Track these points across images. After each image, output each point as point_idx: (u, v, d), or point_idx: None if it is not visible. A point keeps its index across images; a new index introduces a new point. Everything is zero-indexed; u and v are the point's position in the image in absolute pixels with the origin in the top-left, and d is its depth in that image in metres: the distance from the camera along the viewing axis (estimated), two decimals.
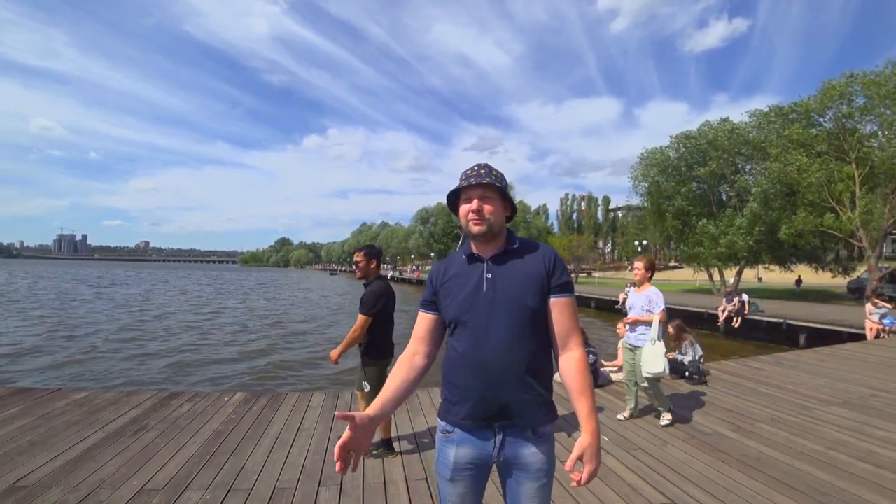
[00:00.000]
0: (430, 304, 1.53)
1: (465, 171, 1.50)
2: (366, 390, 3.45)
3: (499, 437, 1.41)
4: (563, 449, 3.54)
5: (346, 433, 1.20)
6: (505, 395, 1.39)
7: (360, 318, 3.38)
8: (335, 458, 1.17)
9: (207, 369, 10.00)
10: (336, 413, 1.22)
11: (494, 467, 1.49)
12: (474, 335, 1.41)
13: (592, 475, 1.35)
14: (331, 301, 29.88)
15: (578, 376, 1.39)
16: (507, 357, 1.38)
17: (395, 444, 3.69)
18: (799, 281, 29.61)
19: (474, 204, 1.44)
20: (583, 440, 1.34)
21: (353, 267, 3.64)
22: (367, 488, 2.98)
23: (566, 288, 1.46)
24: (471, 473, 1.44)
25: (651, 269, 4.29)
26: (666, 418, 4.21)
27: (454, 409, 1.45)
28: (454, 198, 1.52)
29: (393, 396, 1.40)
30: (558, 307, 1.44)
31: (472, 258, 1.50)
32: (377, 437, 3.52)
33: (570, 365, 1.41)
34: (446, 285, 1.50)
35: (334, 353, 3.40)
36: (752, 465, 3.31)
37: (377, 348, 3.48)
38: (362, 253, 3.53)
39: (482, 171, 1.47)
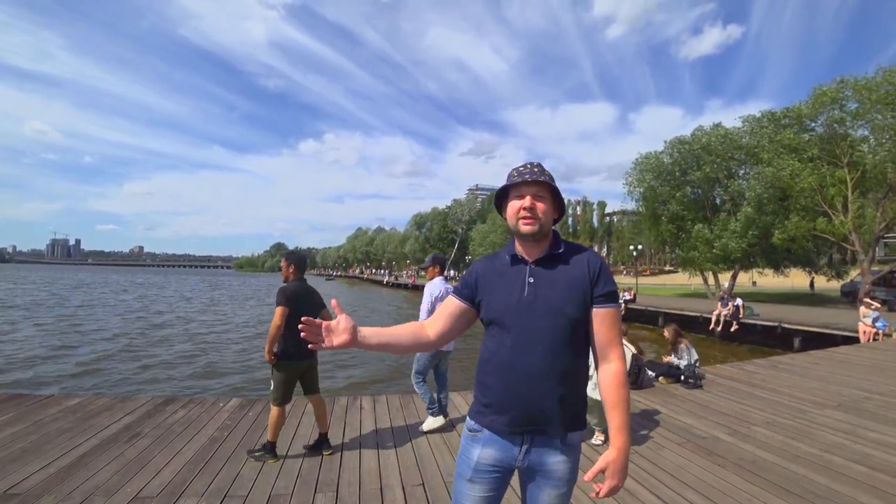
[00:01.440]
0: (462, 293, 1.50)
1: (516, 169, 1.45)
2: (270, 388, 3.53)
3: (526, 443, 1.39)
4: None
5: (336, 319, 1.34)
6: (538, 402, 1.36)
7: (276, 310, 3.43)
8: (303, 327, 1.30)
9: (202, 375, 9.93)
10: (332, 301, 1.34)
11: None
12: (510, 339, 1.39)
13: (613, 491, 1.33)
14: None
15: (613, 390, 1.36)
16: (542, 364, 1.35)
17: (392, 450, 3.69)
18: (812, 283, 29.62)
19: (527, 201, 1.39)
20: (609, 454, 1.33)
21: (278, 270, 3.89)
22: (363, 494, 2.96)
23: (610, 298, 1.40)
24: (492, 476, 1.42)
25: None
26: (599, 437, 3.95)
27: (485, 410, 1.43)
28: (500, 196, 1.48)
29: (385, 332, 1.43)
30: (600, 318, 1.39)
31: (516, 259, 1.46)
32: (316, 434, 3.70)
33: (606, 377, 1.38)
34: (488, 284, 1.47)
35: (265, 352, 3.48)
36: (748, 469, 3.32)
37: (283, 349, 3.48)
38: (284, 258, 3.76)
39: (535, 170, 1.42)
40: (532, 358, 1.35)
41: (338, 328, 1.34)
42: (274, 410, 3.47)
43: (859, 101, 18.60)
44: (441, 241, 69.28)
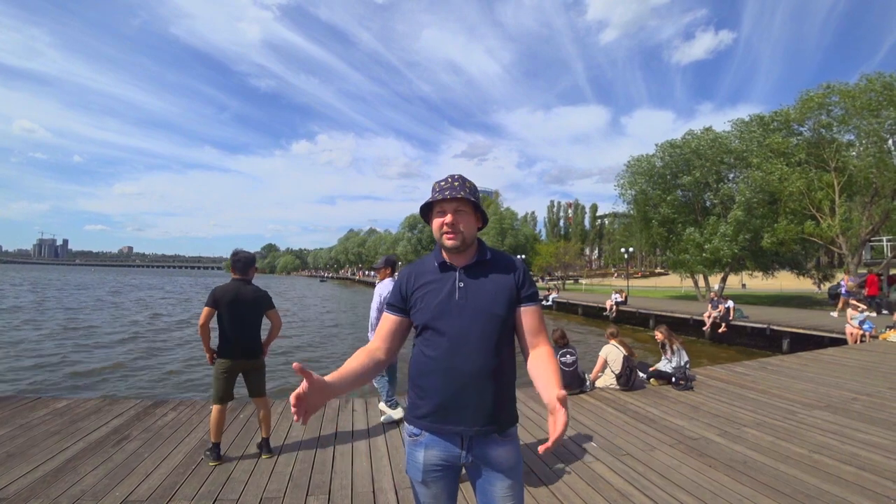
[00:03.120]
0: (397, 308, 1.57)
1: (438, 183, 1.53)
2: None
3: (466, 441, 1.46)
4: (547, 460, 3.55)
5: (302, 386, 1.18)
6: (473, 400, 1.43)
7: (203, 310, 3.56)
8: (293, 407, 1.15)
9: (192, 378, 9.83)
10: (294, 364, 1.19)
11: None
12: (446, 342, 1.45)
13: (564, 429, 1.20)
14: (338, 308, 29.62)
15: (544, 360, 1.43)
16: (476, 363, 1.43)
17: (384, 453, 3.67)
18: (819, 285, 29.31)
19: (448, 218, 1.48)
20: (554, 396, 1.24)
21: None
22: (355, 497, 2.95)
23: (534, 298, 1.54)
24: (441, 475, 1.49)
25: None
26: None
27: (422, 413, 1.49)
28: (426, 208, 1.56)
29: (348, 372, 1.39)
30: (528, 314, 1.51)
31: (445, 266, 1.54)
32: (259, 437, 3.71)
33: (539, 354, 1.47)
34: (417, 291, 1.53)
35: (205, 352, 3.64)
36: (738, 470, 3.35)
37: (218, 346, 3.60)
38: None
39: (456, 185, 1.50)
40: (467, 359, 1.43)
41: (306, 394, 1.19)
42: (212, 409, 3.52)
43: (845, 107, 18.88)
44: (433, 242, 68.93)
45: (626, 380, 5.61)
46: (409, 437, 1.53)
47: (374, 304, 4.52)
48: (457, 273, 1.51)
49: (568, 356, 5.42)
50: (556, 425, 1.24)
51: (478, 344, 1.44)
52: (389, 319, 1.57)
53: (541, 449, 1.27)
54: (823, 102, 19.49)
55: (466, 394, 1.43)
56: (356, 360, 1.45)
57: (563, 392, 1.29)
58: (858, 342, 10.33)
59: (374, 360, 1.50)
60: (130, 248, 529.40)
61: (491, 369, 1.44)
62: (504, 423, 1.47)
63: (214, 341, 3.64)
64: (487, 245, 1.61)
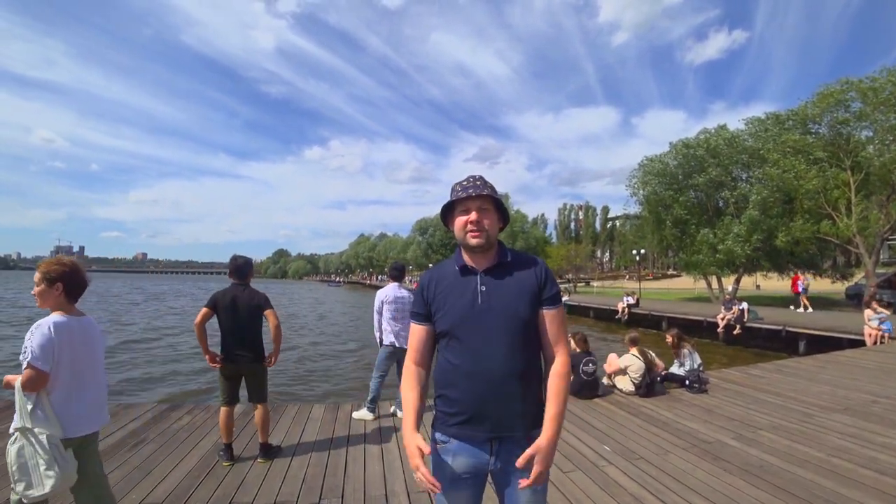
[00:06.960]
0: (423, 316, 1.55)
1: (459, 183, 1.52)
2: None
3: (495, 446, 1.44)
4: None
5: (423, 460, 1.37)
6: (501, 405, 1.42)
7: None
8: (433, 486, 1.35)
9: (208, 381, 9.93)
10: (416, 472, 1.38)
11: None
12: (470, 347, 1.44)
13: (541, 476, 1.39)
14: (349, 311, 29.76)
15: (556, 381, 1.47)
16: (503, 368, 1.41)
17: (396, 456, 3.68)
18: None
19: (473, 216, 1.45)
20: (539, 441, 1.39)
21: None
22: (368, 501, 2.96)
23: (556, 299, 1.51)
24: (468, 482, 1.47)
25: (61, 280, 2.14)
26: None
27: (450, 420, 1.47)
28: (446, 209, 1.55)
29: (416, 412, 1.50)
30: (549, 317, 1.49)
31: (466, 270, 1.51)
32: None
33: (552, 369, 1.49)
34: (439, 297, 1.51)
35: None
36: (754, 474, 3.31)
37: (221, 349, 3.63)
38: None
39: (478, 183, 1.48)
40: (493, 363, 1.42)
41: (422, 458, 1.39)
42: (220, 410, 3.61)
43: (864, 101, 18.51)
44: (443, 246, 69.16)
45: (646, 391, 5.52)
46: (437, 444, 1.50)
47: (375, 308, 4.87)
48: (478, 277, 1.48)
49: (591, 365, 5.36)
50: (532, 472, 1.37)
51: (503, 348, 1.42)
52: (419, 330, 1.55)
53: (518, 463, 1.38)
54: (841, 98, 19.15)
55: (494, 399, 1.41)
56: (413, 391, 1.52)
57: (546, 445, 1.39)
58: (878, 343, 10.12)
59: (423, 384, 1.56)
60: (145, 255, 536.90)
61: (518, 372, 1.42)
62: (532, 426, 1.45)
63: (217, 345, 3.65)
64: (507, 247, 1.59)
